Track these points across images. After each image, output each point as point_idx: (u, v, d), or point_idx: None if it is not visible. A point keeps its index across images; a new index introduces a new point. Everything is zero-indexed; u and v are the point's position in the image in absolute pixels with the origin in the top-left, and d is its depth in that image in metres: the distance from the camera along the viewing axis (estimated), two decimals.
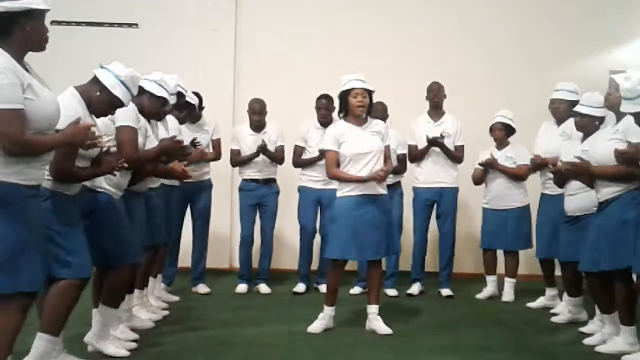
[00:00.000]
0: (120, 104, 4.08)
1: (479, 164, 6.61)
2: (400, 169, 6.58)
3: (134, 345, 4.62)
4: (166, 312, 5.65)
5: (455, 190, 6.77)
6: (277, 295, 6.63)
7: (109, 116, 4.20)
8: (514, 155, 6.52)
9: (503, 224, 6.55)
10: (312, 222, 6.76)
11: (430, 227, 6.92)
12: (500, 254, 6.79)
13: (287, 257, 7.33)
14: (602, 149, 4.67)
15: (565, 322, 5.65)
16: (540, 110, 6.50)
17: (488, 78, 7.88)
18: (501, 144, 6.64)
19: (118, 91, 4.02)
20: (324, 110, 6.62)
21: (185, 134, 6.07)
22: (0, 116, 3.06)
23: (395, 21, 7.99)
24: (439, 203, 6.77)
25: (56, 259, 3.65)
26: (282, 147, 6.76)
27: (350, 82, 5.24)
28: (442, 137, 6.56)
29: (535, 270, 6.87)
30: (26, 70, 3.24)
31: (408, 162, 6.76)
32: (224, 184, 7.50)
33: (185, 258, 6.73)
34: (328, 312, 5.30)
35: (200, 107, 6.45)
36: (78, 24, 7.69)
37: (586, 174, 4.81)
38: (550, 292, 6.26)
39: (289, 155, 6.79)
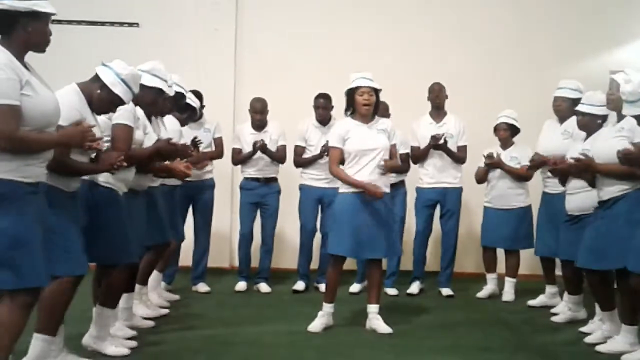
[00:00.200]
0: (121, 102, 4.07)
1: (485, 164, 6.60)
2: (403, 169, 6.59)
3: (134, 343, 4.62)
4: (165, 311, 5.65)
5: (459, 190, 6.76)
6: (278, 295, 6.63)
7: (109, 115, 4.20)
8: (518, 155, 6.52)
9: (504, 223, 6.55)
10: (312, 221, 6.77)
11: (433, 227, 6.92)
12: (500, 252, 6.79)
13: (287, 256, 7.32)
14: (606, 146, 4.65)
15: (565, 321, 5.66)
16: (540, 110, 6.52)
17: (488, 78, 7.88)
18: (506, 144, 6.64)
19: (119, 89, 4.01)
20: (322, 110, 6.63)
21: (187, 132, 6.07)
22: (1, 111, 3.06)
23: (396, 21, 7.99)
24: (443, 203, 6.77)
25: (50, 255, 3.59)
26: (283, 146, 6.76)
27: (357, 80, 5.25)
28: (445, 141, 6.54)
29: (535, 270, 6.87)
30: (26, 69, 3.25)
31: (411, 163, 6.75)
32: (225, 183, 7.50)
33: (185, 257, 6.71)
34: (327, 309, 5.31)
35: (201, 106, 6.45)
36: (79, 23, 7.69)
37: (590, 170, 4.79)
38: (550, 289, 6.27)
39: (290, 154, 6.80)
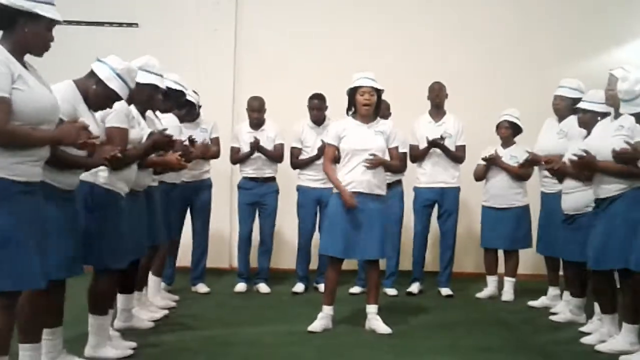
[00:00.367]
0: (117, 97, 4.03)
1: (483, 159, 6.60)
2: (399, 168, 6.56)
3: (133, 344, 4.61)
4: (166, 312, 5.64)
5: (456, 190, 6.76)
6: (277, 295, 6.63)
7: (101, 118, 4.15)
8: (518, 154, 6.50)
9: (502, 223, 6.55)
10: (310, 222, 6.76)
11: (431, 227, 6.92)
12: (501, 253, 6.78)
13: (286, 256, 7.31)
14: (606, 145, 4.60)
15: (564, 321, 5.65)
16: (541, 109, 6.51)
17: (489, 77, 7.88)
18: (507, 142, 6.64)
19: (114, 84, 3.97)
20: (316, 111, 6.64)
21: (183, 132, 6.06)
22: None
23: (396, 20, 7.99)
24: (441, 203, 6.76)
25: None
26: (281, 145, 6.76)
27: (359, 79, 5.25)
28: (442, 138, 6.55)
29: (536, 270, 6.89)
30: (25, 67, 3.22)
31: (409, 162, 6.73)
32: (224, 183, 7.51)
33: (184, 257, 6.73)
34: (327, 311, 5.30)
35: (198, 106, 6.45)
36: (78, 23, 7.69)
37: (590, 168, 4.76)
38: (552, 291, 6.25)
39: (288, 154, 6.80)
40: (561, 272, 6.06)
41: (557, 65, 7.64)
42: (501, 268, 6.75)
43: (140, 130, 4.58)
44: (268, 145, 6.66)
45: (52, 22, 3.29)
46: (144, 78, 4.60)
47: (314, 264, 6.84)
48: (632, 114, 4.43)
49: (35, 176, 3.25)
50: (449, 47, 7.91)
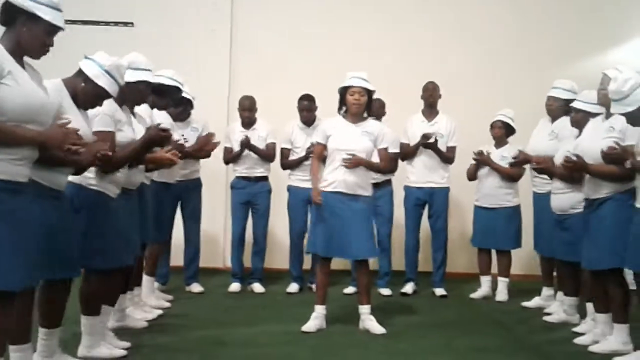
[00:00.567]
0: (107, 94, 3.97)
1: (473, 159, 6.62)
2: (390, 169, 6.57)
3: (127, 344, 4.61)
4: (160, 312, 5.63)
5: (446, 191, 6.76)
6: (271, 295, 6.63)
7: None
8: (509, 155, 6.50)
9: (492, 223, 6.56)
10: (301, 221, 6.74)
11: (424, 227, 6.92)
12: (494, 253, 6.78)
13: (280, 256, 7.29)
14: (596, 147, 4.63)
15: (558, 322, 5.64)
16: (538, 110, 6.48)
17: (487, 78, 7.89)
18: (500, 142, 6.65)
19: (102, 81, 3.91)
20: (306, 112, 6.66)
21: (176, 131, 6.06)
22: None
23: (395, 21, 8.00)
24: (430, 203, 6.77)
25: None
26: (273, 144, 6.78)
27: (350, 79, 5.25)
28: (435, 140, 6.54)
29: (530, 270, 6.89)
30: (21, 65, 3.19)
31: (400, 161, 6.74)
32: (218, 183, 7.53)
33: (178, 257, 6.73)
34: (319, 311, 5.31)
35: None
36: (74, 22, 7.69)
37: (582, 171, 4.80)
38: (546, 291, 6.24)
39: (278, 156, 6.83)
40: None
41: (555, 66, 7.63)
42: (494, 268, 6.75)
43: (132, 130, 4.51)
44: (259, 144, 6.68)
45: (52, 27, 3.24)
46: (133, 76, 4.51)
47: (307, 264, 6.84)
48: (622, 114, 4.43)
49: (19, 176, 3.12)
50: (447, 47, 7.92)
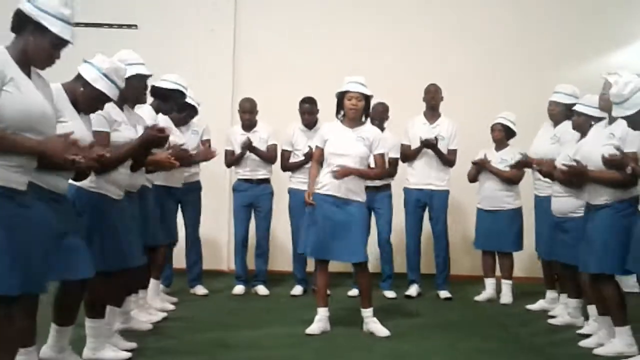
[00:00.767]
0: (106, 97, 3.94)
1: (472, 163, 6.64)
2: (389, 172, 6.59)
3: (133, 345, 4.62)
4: (164, 314, 5.64)
5: (445, 193, 6.77)
6: (275, 297, 6.64)
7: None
8: (509, 158, 6.50)
9: (494, 225, 6.58)
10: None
11: (427, 230, 6.93)
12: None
13: (283, 258, 7.28)
14: (597, 152, 4.65)
15: (563, 324, 5.65)
16: (539, 111, 6.50)
17: (488, 78, 7.88)
18: (500, 145, 6.65)
19: (101, 85, 3.88)
20: (307, 115, 6.66)
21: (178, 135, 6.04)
22: None
23: (395, 21, 7.99)
24: (430, 205, 6.78)
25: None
26: (274, 145, 6.78)
27: (348, 84, 5.25)
28: (436, 139, 6.55)
29: (533, 273, 6.89)
30: (26, 74, 3.16)
31: (400, 162, 6.75)
32: (221, 186, 7.54)
33: (180, 259, 6.73)
34: (322, 313, 5.31)
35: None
36: (77, 24, 7.68)
37: (582, 177, 4.83)
38: (550, 294, 6.25)
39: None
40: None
41: (556, 67, 7.65)
42: (499, 270, 6.75)
43: (133, 130, 4.49)
44: (261, 146, 6.68)
45: (59, 40, 3.22)
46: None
47: (311, 267, 6.83)
48: (623, 117, 4.45)
49: (16, 183, 3.07)
50: (447, 48, 7.91)
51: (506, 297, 6.55)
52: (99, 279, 4.18)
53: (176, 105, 5.58)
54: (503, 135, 6.60)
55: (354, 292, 6.62)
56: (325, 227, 5.19)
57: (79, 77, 3.90)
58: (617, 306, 4.71)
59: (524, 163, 6.03)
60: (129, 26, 7.93)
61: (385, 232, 6.66)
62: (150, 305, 5.65)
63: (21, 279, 3.05)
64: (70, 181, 3.87)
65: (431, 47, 7.94)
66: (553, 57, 7.83)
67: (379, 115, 6.50)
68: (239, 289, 6.77)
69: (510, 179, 6.51)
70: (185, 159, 5.40)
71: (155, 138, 4.38)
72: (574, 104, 5.43)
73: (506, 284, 6.60)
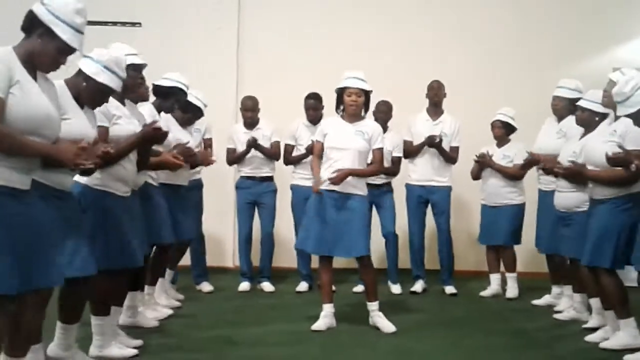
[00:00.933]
0: (109, 89, 3.91)
1: (475, 160, 6.66)
2: (392, 171, 6.60)
3: (139, 342, 4.62)
4: (170, 311, 5.63)
5: (447, 190, 6.78)
6: (281, 294, 6.64)
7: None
8: (511, 154, 6.54)
9: (496, 220, 6.58)
10: None
11: (431, 225, 6.94)
12: None
13: (287, 255, 7.27)
14: (598, 149, 4.70)
15: (568, 319, 5.66)
16: (540, 110, 6.54)
17: (488, 78, 7.90)
18: (501, 141, 6.67)
19: (103, 77, 3.85)
20: (312, 111, 6.66)
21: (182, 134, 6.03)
22: None
23: (395, 21, 8.01)
24: (432, 202, 6.80)
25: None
26: (277, 142, 6.80)
27: (347, 80, 5.26)
28: (440, 139, 6.57)
29: (537, 268, 6.90)
30: (32, 76, 3.16)
31: (401, 164, 6.77)
32: (225, 184, 7.55)
33: (186, 257, 6.70)
34: (328, 309, 5.31)
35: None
36: None
37: (580, 176, 4.93)
38: (556, 289, 6.26)
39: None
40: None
41: (556, 66, 7.66)
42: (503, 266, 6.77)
43: (134, 124, 4.49)
44: (264, 144, 6.69)
45: (67, 47, 3.20)
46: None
47: (315, 263, 6.82)
48: (626, 115, 4.47)
49: (18, 183, 3.07)
50: (447, 48, 7.93)
51: (512, 291, 6.56)
52: (104, 276, 4.17)
53: (177, 103, 5.57)
54: (503, 131, 6.63)
55: (359, 288, 6.62)
56: (327, 223, 5.19)
57: (80, 73, 3.87)
58: (619, 299, 4.73)
59: (533, 161, 6.03)
60: (133, 24, 7.92)
61: (390, 226, 6.66)
62: (157, 302, 5.64)
63: (23, 278, 3.05)
64: (76, 178, 3.88)
65: (431, 47, 7.95)
66: (553, 57, 7.84)
67: (383, 115, 6.51)
68: (244, 285, 6.77)
69: (514, 175, 6.53)
70: (190, 157, 5.38)
71: (152, 134, 4.39)
72: (578, 99, 5.46)
73: (511, 277, 6.61)
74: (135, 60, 4.56)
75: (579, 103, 5.31)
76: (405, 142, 6.73)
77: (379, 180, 6.40)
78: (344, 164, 5.18)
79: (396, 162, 6.63)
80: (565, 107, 5.96)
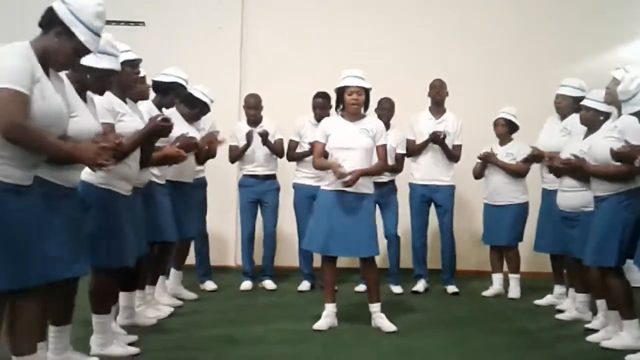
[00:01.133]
0: (113, 72, 3.91)
1: (478, 157, 6.65)
2: (396, 168, 6.60)
3: (134, 337, 4.64)
4: (171, 309, 5.63)
5: (451, 188, 6.78)
6: (283, 293, 6.65)
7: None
8: (514, 151, 6.55)
9: (500, 220, 6.59)
10: (308, 219, 6.72)
11: (434, 225, 6.94)
12: None
13: (289, 254, 7.29)
14: (599, 145, 4.74)
15: (570, 319, 5.67)
16: (540, 110, 6.55)
17: (488, 78, 7.91)
18: (503, 139, 6.68)
19: (105, 62, 3.83)
20: (319, 110, 6.64)
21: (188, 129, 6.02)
22: (2, 96, 2.91)
23: (396, 21, 8.03)
24: (435, 201, 6.79)
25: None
26: (280, 140, 6.81)
27: (346, 78, 5.25)
28: (444, 136, 6.58)
29: (539, 268, 6.91)
30: (47, 73, 3.16)
31: (404, 161, 6.77)
32: (228, 182, 7.55)
33: (190, 255, 6.70)
34: (330, 309, 5.31)
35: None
36: None
37: (580, 171, 4.92)
38: (559, 289, 6.28)
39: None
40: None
41: (556, 66, 7.68)
42: (506, 266, 6.78)
43: (138, 121, 4.51)
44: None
45: (83, 48, 3.22)
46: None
47: (317, 262, 6.82)
48: (632, 114, 4.48)
49: (22, 179, 3.08)
50: (448, 48, 7.94)
51: (514, 292, 6.57)
52: (105, 274, 4.24)
53: (177, 97, 5.56)
54: (506, 129, 6.63)
55: (360, 287, 6.64)
56: (338, 223, 5.17)
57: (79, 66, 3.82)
58: (625, 299, 4.74)
59: (536, 156, 6.04)
60: (136, 23, 7.92)
61: (393, 227, 6.66)
62: (158, 301, 5.64)
63: (21, 274, 3.06)
64: (82, 177, 3.86)
65: (431, 47, 7.96)
66: (553, 57, 7.86)
67: (386, 112, 6.50)
68: (246, 284, 6.78)
69: (517, 172, 6.53)
70: (192, 146, 5.34)
71: (159, 128, 4.40)
72: (581, 98, 5.47)
73: (514, 278, 6.61)
74: (129, 56, 4.53)
75: (583, 102, 5.31)
76: (408, 141, 6.73)
77: (383, 178, 6.39)
78: (352, 164, 5.16)
79: (400, 159, 6.64)
80: (568, 105, 5.97)
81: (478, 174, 6.75)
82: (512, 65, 7.93)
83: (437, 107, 6.81)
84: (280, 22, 8.01)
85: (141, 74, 4.84)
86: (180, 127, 5.52)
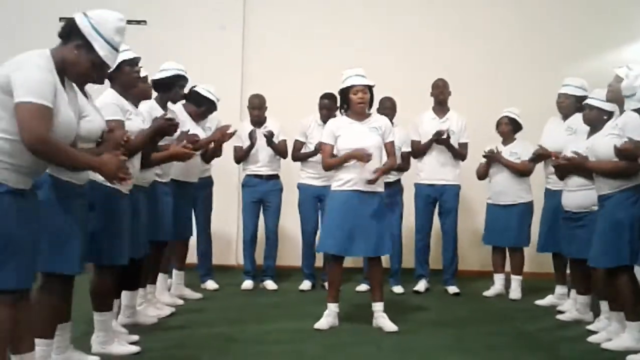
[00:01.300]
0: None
1: (483, 155, 6.64)
2: (402, 167, 6.60)
3: (135, 337, 4.64)
4: (173, 309, 5.63)
5: (456, 188, 6.78)
6: (284, 292, 6.66)
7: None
8: (519, 151, 6.55)
9: (505, 220, 6.56)
10: (312, 219, 6.77)
11: (435, 225, 6.93)
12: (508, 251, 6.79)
13: (291, 254, 7.31)
14: (601, 143, 4.75)
15: (571, 320, 5.66)
16: (542, 109, 6.55)
17: (490, 78, 7.91)
18: (507, 139, 6.67)
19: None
20: (326, 111, 6.62)
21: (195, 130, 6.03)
22: (29, 110, 2.94)
23: (399, 21, 8.03)
24: (441, 200, 6.79)
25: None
26: (284, 141, 6.81)
27: (350, 78, 5.25)
28: (448, 136, 6.57)
29: (541, 268, 6.91)
30: (63, 85, 3.18)
31: (411, 159, 6.76)
32: (231, 181, 7.55)
33: (190, 254, 6.71)
34: (332, 308, 5.31)
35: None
36: None
37: (582, 169, 4.91)
38: (560, 290, 6.27)
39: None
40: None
41: (558, 66, 7.67)
42: (508, 266, 6.76)
43: (141, 121, 4.52)
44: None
45: (102, 62, 3.24)
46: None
47: (319, 261, 6.84)
48: (634, 110, 4.48)
49: (24, 184, 3.12)
50: (450, 48, 7.94)
51: (515, 293, 6.55)
52: (106, 272, 4.26)
53: (181, 89, 5.52)
54: (510, 128, 6.62)
55: (362, 287, 6.65)
56: (355, 223, 5.16)
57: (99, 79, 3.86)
58: (632, 301, 4.70)
59: (543, 155, 6.03)
60: (138, 22, 7.91)
61: (397, 228, 6.65)
62: (159, 300, 5.64)
63: (27, 274, 3.10)
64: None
65: (434, 47, 7.96)
66: (555, 57, 7.86)
67: (389, 111, 6.50)
68: (247, 284, 6.79)
69: (522, 171, 6.51)
70: (196, 143, 5.33)
71: (165, 126, 4.44)
72: (584, 97, 5.47)
73: (516, 280, 6.60)
74: (128, 55, 4.51)
75: (587, 101, 5.30)
76: (413, 142, 6.73)
77: (391, 177, 6.36)
78: (367, 163, 5.14)
79: (405, 157, 6.63)
80: (571, 105, 5.97)
81: (482, 175, 6.74)
82: (515, 66, 7.93)
83: (441, 106, 6.81)
84: (282, 22, 8.02)
85: (142, 74, 4.82)
86: (187, 125, 5.54)
